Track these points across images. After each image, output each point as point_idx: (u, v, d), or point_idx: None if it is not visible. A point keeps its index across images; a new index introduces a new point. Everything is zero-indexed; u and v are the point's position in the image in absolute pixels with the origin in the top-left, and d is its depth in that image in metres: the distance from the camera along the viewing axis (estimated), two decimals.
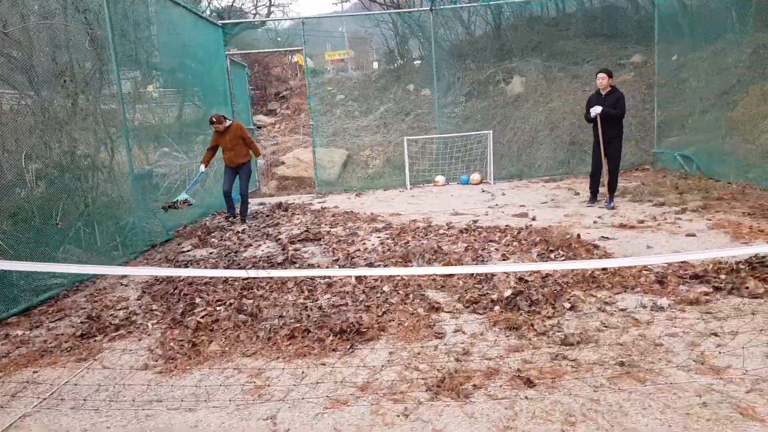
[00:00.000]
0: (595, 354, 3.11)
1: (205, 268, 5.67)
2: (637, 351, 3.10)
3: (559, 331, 3.44)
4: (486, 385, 2.84)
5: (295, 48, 18.61)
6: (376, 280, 4.65)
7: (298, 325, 3.78)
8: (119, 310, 4.58)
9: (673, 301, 3.79)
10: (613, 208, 7.18)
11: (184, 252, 6.67)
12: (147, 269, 4.71)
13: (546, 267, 3.98)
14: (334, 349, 3.45)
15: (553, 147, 11.94)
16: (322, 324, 3.74)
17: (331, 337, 3.55)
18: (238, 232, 7.57)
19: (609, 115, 6.99)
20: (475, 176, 10.73)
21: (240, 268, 5.38)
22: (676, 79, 10.75)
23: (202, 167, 8.26)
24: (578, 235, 5.49)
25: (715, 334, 3.23)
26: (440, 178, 11.00)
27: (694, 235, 5.51)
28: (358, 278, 4.69)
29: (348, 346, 3.45)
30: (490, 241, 5.89)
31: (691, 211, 6.61)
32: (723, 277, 4.12)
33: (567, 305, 3.81)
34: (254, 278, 4.90)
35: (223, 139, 8.13)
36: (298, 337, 3.63)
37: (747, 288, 3.86)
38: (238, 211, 8.53)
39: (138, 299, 4.85)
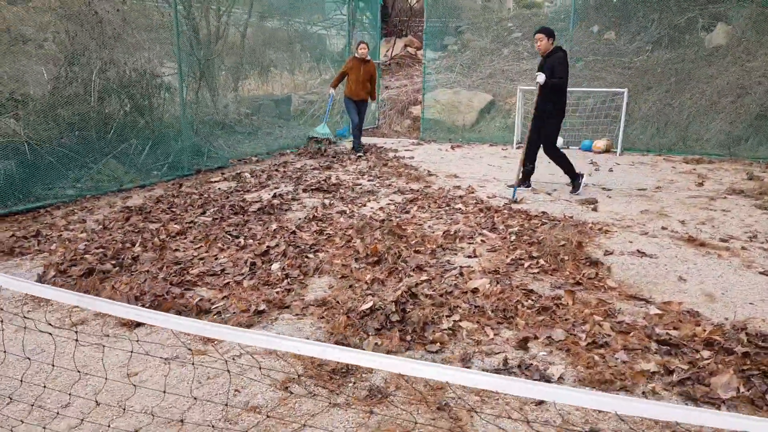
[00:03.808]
0: None
1: (205, 206, 5.48)
2: None
3: None
4: None
5: None
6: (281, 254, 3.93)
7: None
8: (65, 230, 4.63)
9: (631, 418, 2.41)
10: (514, 200, 5.68)
11: (210, 182, 6.59)
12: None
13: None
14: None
15: (732, 118, 9.10)
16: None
17: None
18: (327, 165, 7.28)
19: (546, 84, 5.69)
20: (600, 143, 8.70)
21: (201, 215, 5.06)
22: None
23: (331, 90, 8.54)
24: (579, 243, 3.92)
25: None
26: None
27: None
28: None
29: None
30: (493, 229, 4.61)
31: None
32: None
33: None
34: (186, 227, 4.54)
35: (358, 70, 8.21)
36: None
37: None
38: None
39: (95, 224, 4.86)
